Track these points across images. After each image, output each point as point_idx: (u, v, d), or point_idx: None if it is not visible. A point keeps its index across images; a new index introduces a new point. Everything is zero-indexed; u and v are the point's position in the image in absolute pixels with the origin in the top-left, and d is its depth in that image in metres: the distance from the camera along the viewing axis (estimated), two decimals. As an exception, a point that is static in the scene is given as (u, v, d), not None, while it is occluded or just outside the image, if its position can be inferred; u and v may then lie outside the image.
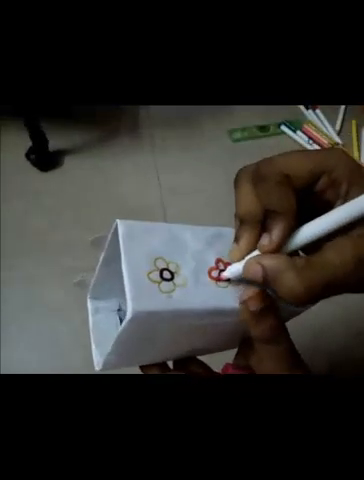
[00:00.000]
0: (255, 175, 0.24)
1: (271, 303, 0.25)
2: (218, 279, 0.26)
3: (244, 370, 0.30)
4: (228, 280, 0.26)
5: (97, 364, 0.29)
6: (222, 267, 0.27)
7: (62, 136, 0.88)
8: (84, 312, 0.33)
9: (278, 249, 0.24)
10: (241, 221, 0.25)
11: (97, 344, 0.30)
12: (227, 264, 0.27)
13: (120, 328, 0.24)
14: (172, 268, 0.25)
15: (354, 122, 0.98)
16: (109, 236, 0.27)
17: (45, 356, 0.64)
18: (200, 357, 0.33)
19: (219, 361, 0.32)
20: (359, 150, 0.94)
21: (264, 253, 0.24)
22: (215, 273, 0.26)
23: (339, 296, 0.24)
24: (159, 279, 0.24)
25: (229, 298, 0.26)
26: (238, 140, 0.94)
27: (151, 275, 0.24)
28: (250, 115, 0.96)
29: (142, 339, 0.26)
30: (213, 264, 0.27)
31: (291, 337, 0.27)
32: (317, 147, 0.93)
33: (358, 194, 0.23)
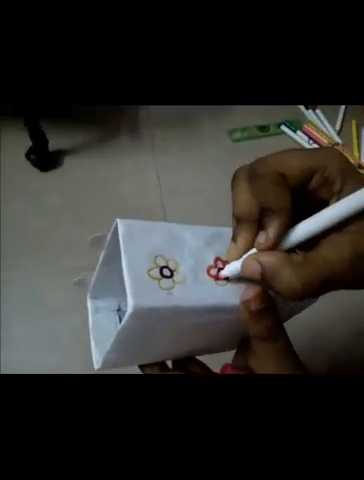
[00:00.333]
0: (250, 174, 0.24)
1: (271, 303, 0.26)
2: (217, 278, 0.26)
3: (242, 370, 0.30)
4: (226, 279, 0.26)
5: (96, 363, 0.29)
6: (221, 265, 0.27)
7: (62, 136, 0.88)
8: (84, 312, 0.33)
9: (275, 247, 0.24)
10: (238, 220, 0.26)
11: (97, 343, 0.30)
12: (226, 263, 0.27)
13: (120, 325, 0.24)
14: (171, 266, 0.25)
15: (354, 122, 0.98)
16: (109, 235, 0.27)
17: (45, 356, 0.63)
18: (199, 357, 0.33)
19: (218, 361, 0.32)
20: (359, 150, 0.94)
21: (261, 251, 0.24)
22: (214, 271, 0.27)
23: (339, 296, 0.24)
24: (159, 276, 0.25)
25: (228, 295, 0.26)
26: (238, 140, 0.94)
27: (151, 272, 0.25)
28: (250, 115, 0.96)
29: (142, 337, 0.26)
30: (212, 262, 0.27)
31: (291, 337, 0.27)
32: (317, 147, 0.94)
33: (351, 191, 0.23)
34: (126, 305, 0.23)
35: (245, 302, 0.25)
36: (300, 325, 0.35)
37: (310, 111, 1.01)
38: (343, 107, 1.01)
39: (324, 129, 0.97)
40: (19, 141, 0.81)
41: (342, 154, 0.25)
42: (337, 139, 0.95)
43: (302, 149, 0.25)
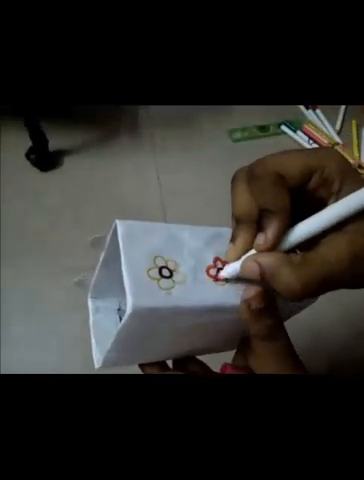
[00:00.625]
0: (249, 175, 0.24)
1: (271, 302, 0.26)
2: (216, 278, 0.26)
3: (242, 370, 0.30)
4: (225, 280, 0.26)
5: (97, 362, 0.30)
6: (220, 265, 0.27)
7: (62, 136, 0.88)
8: (84, 312, 0.33)
9: (274, 248, 0.24)
10: (237, 221, 0.26)
11: (97, 342, 0.31)
12: (225, 263, 0.27)
13: (120, 324, 0.24)
14: (171, 266, 0.25)
15: (354, 122, 0.98)
16: (108, 236, 0.27)
17: (45, 356, 0.63)
18: (199, 357, 0.33)
19: (218, 361, 0.32)
20: (359, 150, 0.94)
21: (260, 252, 0.24)
22: (213, 271, 0.27)
23: (339, 295, 0.24)
24: (158, 276, 0.25)
25: (227, 295, 0.26)
26: (238, 140, 0.94)
27: (150, 272, 0.25)
28: (250, 115, 0.96)
29: (142, 337, 0.26)
30: (211, 262, 0.27)
31: (291, 337, 0.27)
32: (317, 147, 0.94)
33: (350, 191, 0.23)
34: (126, 305, 0.23)
35: (246, 301, 0.25)
36: (300, 325, 0.35)
37: (310, 111, 1.01)
38: (343, 107, 1.01)
39: (324, 129, 0.97)
40: (19, 141, 0.81)
41: (340, 154, 0.25)
42: (337, 139, 0.95)
43: (301, 149, 0.25)
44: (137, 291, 0.23)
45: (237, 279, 0.26)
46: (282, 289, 0.23)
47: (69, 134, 0.89)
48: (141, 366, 0.31)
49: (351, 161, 0.90)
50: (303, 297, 0.23)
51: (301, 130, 0.96)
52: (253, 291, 0.25)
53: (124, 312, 0.23)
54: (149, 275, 0.24)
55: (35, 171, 0.83)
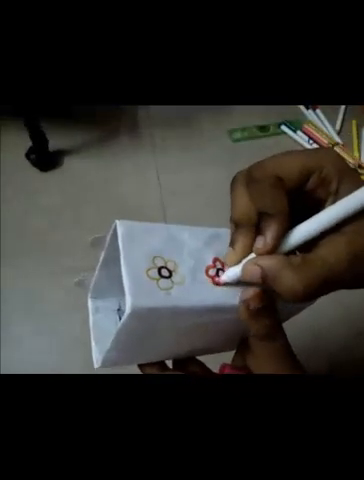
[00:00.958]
0: (248, 179, 0.25)
1: (269, 302, 0.26)
2: (217, 283, 0.26)
3: (241, 370, 0.30)
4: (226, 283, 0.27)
5: (96, 361, 0.30)
6: (219, 266, 0.27)
7: (62, 136, 0.88)
8: (84, 312, 0.33)
9: (273, 251, 0.24)
10: (236, 225, 0.26)
11: (97, 342, 0.31)
12: (224, 263, 0.27)
13: (119, 324, 0.24)
14: (170, 266, 0.25)
15: (354, 122, 0.98)
16: (108, 237, 0.27)
17: (45, 356, 0.64)
18: (199, 357, 0.33)
19: (218, 361, 0.32)
20: (359, 150, 0.94)
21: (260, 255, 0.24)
22: (212, 271, 0.27)
23: (339, 295, 0.24)
24: (157, 276, 0.25)
25: (227, 296, 0.26)
26: (238, 140, 0.94)
27: (149, 272, 0.25)
28: (250, 115, 0.96)
29: (141, 337, 0.26)
30: (210, 263, 0.27)
31: (291, 337, 0.27)
32: (317, 147, 0.94)
33: (348, 191, 0.23)
34: (125, 305, 0.23)
35: (244, 301, 0.25)
36: (300, 325, 0.35)
37: (310, 111, 1.01)
38: (343, 107, 1.01)
39: (324, 129, 0.97)
40: (19, 141, 0.81)
41: (338, 154, 0.25)
42: (337, 139, 0.95)
43: (298, 151, 0.25)
44: (136, 291, 0.23)
45: (236, 283, 0.26)
46: (284, 291, 0.23)
47: (69, 134, 0.89)
48: (140, 366, 0.31)
49: (351, 161, 0.90)
50: (305, 299, 0.23)
51: (301, 130, 0.96)
52: (251, 291, 0.25)
53: (124, 312, 0.23)
54: (148, 275, 0.24)
55: (35, 171, 0.83)
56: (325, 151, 0.25)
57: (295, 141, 0.95)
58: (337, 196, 0.24)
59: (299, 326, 0.35)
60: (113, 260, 0.27)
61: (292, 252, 0.25)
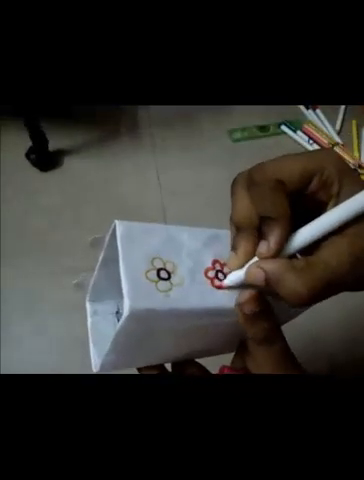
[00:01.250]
0: (249, 182, 0.24)
1: (266, 305, 0.25)
2: (218, 286, 0.26)
3: (241, 372, 0.30)
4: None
5: (95, 366, 0.29)
6: (218, 268, 0.27)
7: (62, 136, 0.88)
8: (84, 312, 0.33)
9: (276, 255, 0.24)
10: (237, 228, 0.25)
11: (95, 345, 0.30)
12: (224, 265, 0.27)
13: (118, 326, 0.24)
14: (169, 268, 0.25)
15: (354, 122, 0.98)
16: (107, 237, 0.27)
17: (45, 356, 0.63)
18: (197, 360, 0.33)
19: (217, 363, 0.32)
20: (359, 150, 0.94)
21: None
22: (211, 273, 0.26)
23: (339, 297, 0.24)
24: (156, 278, 0.24)
25: (226, 298, 0.26)
26: (238, 140, 0.94)
27: (148, 274, 0.24)
28: (250, 115, 0.96)
29: (140, 339, 0.26)
30: (210, 264, 0.27)
31: (290, 339, 0.27)
32: (317, 147, 0.94)
33: (349, 193, 0.23)
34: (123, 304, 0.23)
35: (240, 305, 0.25)
36: (299, 327, 0.35)
37: (310, 111, 1.01)
38: (343, 107, 1.01)
39: (324, 129, 0.97)
40: (19, 141, 0.81)
41: (338, 154, 0.25)
42: (337, 139, 0.95)
43: (299, 153, 0.25)
44: (134, 293, 0.23)
45: (240, 286, 0.26)
46: (288, 295, 0.23)
47: (69, 134, 0.89)
48: (139, 369, 0.31)
49: (351, 161, 0.90)
50: (309, 302, 0.23)
51: (301, 130, 0.96)
52: (247, 294, 0.25)
53: (122, 315, 0.23)
54: (147, 277, 0.24)
55: (35, 171, 0.83)
56: (325, 152, 0.25)
57: (295, 141, 0.95)
58: (338, 198, 0.24)
59: (298, 328, 0.35)
60: (112, 260, 0.27)
61: (294, 255, 0.25)
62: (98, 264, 0.30)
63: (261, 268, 0.24)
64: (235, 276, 0.26)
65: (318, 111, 1.00)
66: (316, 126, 0.97)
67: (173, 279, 0.25)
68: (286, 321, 0.31)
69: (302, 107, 1.02)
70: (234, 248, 0.26)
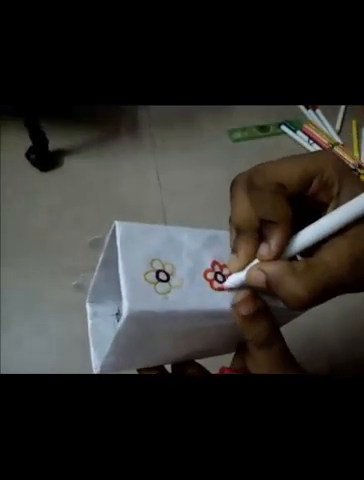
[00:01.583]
0: (249, 185, 0.24)
1: (263, 306, 0.25)
2: (219, 288, 0.26)
3: (240, 372, 0.30)
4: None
5: (95, 367, 0.29)
6: (218, 269, 0.27)
7: (62, 136, 0.88)
8: (84, 312, 0.33)
9: (277, 258, 0.24)
10: (238, 230, 0.25)
11: (95, 347, 0.30)
12: (223, 267, 0.27)
13: (117, 327, 0.24)
14: (168, 269, 0.25)
15: (354, 122, 0.98)
16: (107, 238, 0.27)
17: (45, 356, 0.63)
18: (198, 360, 0.33)
19: (217, 364, 0.32)
20: (359, 150, 0.94)
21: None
22: (211, 275, 0.26)
23: (338, 298, 0.24)
24: (155, 280, 0.24)
25: (225, 300, 0.26)
26: (238, 140, 0.94)
27: (147, 276, 0.24)
28: (250, 115, 0.96)
29: (140, 341, 0.26)
30: (209, 266, 0.27)
31: (290, 340, 0.27)
32: (317, 147, 0.94)
33: (349, 193, 0.23)
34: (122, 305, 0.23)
35: (236, 306, 0.25)
36: (299, 327, 0.35)
37: (310, 111, 1.01)
38: (343, 107, 1.01)
39: (324, 129, 0.97)
40: (19, 141, 0.81)
41: (337, 156, 0.25)
42: (337, 139, 0.95)
43: (298, 155, 0.25)
44: (133, 295, 0.23)
45: (240, 288, 0.26)
46: (288, 297, 0.23)
47: (69, 134, 0.89)
48: (139, 371, 0.31)
49: (351, 161, 0.90)
50: (309, 305, 0.23)
51: (301, 130, 0.96)
52: (242, 294, 0.25)
53: (121, 316, 0.23)
54: (146, 279, 0.24)
55: (35, 171, 0.83)
56: (325, 154, 0.25)
57: (295, 141, 0.95)
58: (339, 198, 0.24)
59: (298, 328, 0.34)
60: (112, 261, 0.27)
61: (294, 257, 0.25)
62: (98, 265, 0.30)
63: (262, 270, 0.24)
64: (236, 278, 0.26)
65: (318, 111, 1.00)
66: (316, 126, 0.97)
67: (172, 281, 0.25)
68: (286, 322, 0.31)
69: (302, 107, 1.02)
70: (235, 250, 0.26)
